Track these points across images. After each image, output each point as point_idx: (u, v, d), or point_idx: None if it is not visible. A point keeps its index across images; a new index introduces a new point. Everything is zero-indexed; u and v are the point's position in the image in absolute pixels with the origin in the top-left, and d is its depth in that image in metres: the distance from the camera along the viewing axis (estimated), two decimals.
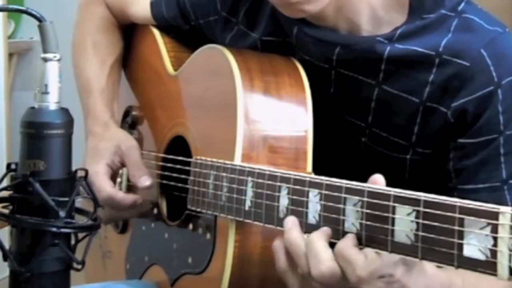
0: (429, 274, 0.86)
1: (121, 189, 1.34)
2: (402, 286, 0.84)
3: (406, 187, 0.82)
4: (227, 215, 1.03)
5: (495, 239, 0.71)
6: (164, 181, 1.27)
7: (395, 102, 1.09)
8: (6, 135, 3.02)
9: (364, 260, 0.84)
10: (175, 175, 1.23)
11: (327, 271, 0.85)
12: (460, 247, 0.74)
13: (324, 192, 0.89)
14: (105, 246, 1.47)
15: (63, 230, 0.77)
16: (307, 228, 0.90)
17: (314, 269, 0.86)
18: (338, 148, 1.16)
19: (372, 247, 0.83)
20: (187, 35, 1.35)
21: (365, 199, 0.83)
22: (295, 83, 1.10)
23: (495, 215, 0.71)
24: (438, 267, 0.82)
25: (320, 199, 0.89)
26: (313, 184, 0.90)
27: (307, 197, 0.91)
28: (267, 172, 0.97)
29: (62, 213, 0.76)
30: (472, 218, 0.73)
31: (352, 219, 0.85)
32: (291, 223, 0.91)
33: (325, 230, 0.88)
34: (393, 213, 0.80)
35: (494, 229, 0.71)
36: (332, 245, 0.87)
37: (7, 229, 0.82)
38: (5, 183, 0.79)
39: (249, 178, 0.99)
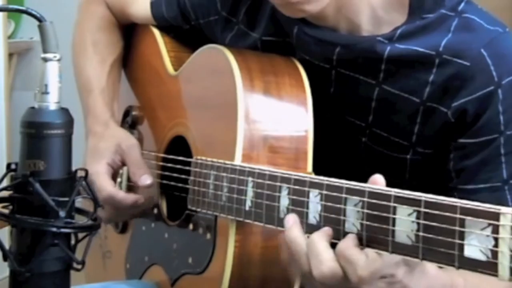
0: (430, 275, 0.86)
1: (121, 189, 1.34)
2: (404, 286, 0.84)
3: (406, 187, 0.81)
4: (227, 215, 1.03)
5: (496, 239, 0.71)
6: (164, 181, 1.27)
7: (396, 102, 1.09)
8: (6, 135, 3.02)
9: (366, 260, 0.83)
10: (175, 175, 1.23)
11: (328, 272, 0.85)
12: (461, 247, 0.73)
13: (324, 192, 0.88)
14: (105, 246, 1.47)
15: (63, 230, 0.77)
16: (308, 229, 0.90)
17: (315, 269, 0.86)
18: (338, 148, 1.16)
19: (373, 247, 0.83)
20: (187, 35, 1.34)
21: (366, 199, 0.83)
22: (296, 83, 1.10)
23: (496, 216, 0.71)
24: (439, 267, 0.81)
25: (321, 200, 0.89)
26: (314, 185, 0.90)
27: (308, 197, 0.90)
28: (268, 172, 0.97)
29: (62, 213, 0.76)
30: (473, 218, 0.72)
31: (352, 219, 0.85)
32: (292, 221, 0.91)
33: (326, 231, 0.88)
34: (394, 213, 0.80)
35: (495, 230, 0.71)
36: (332, 245, 0.87)
37: (7, 229, 0.81)
38: (5, 183, 0.79)
39: (250, 178, 0.99)
